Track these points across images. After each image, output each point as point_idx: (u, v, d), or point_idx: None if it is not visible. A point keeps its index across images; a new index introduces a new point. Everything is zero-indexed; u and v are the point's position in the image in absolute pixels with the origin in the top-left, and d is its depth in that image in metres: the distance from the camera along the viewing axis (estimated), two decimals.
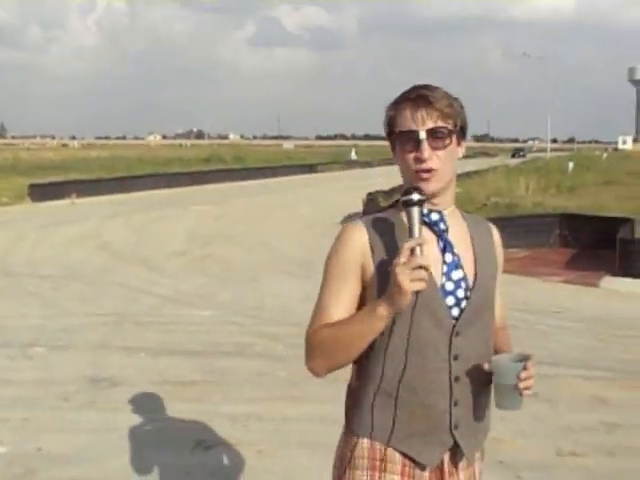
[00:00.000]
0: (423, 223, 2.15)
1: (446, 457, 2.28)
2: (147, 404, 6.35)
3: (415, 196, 2.10)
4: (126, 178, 35.24)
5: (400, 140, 2.21)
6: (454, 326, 2.21)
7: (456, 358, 2.22)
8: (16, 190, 30.01)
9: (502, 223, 15.77)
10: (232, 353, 7.87)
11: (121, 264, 14.31)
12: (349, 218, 21.39)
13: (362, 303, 2.23)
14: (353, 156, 68.24)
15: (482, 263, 2.28)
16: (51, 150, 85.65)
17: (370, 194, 22.30)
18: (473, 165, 38.16)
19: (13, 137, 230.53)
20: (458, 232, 2.28)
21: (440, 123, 2.17)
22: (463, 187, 21.73)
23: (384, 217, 2.33)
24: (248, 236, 18.25)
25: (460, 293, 2.22)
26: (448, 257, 2.23)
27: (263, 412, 6.16)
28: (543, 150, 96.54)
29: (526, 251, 15.34)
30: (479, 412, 2.30)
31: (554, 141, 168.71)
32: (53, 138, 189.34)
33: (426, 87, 2.21)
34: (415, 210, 2.09)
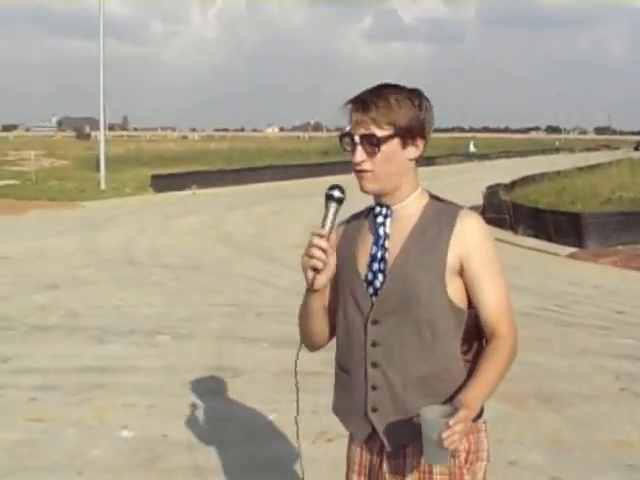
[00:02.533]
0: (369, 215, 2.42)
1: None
2: (269, 394, 6.40)
3: (335, 193, 2.29)
4: (245, 170, 35.68)
5: (343, 139, 2.34)
6: (369, 313, 2.34)
7: (374, 345, 2.34)
8: (139, 181, 30.82)
9: (627, 218, 15.53)
10: None
11: (242, 255, 14.50)
12: None
13: None
14: (472, 149, 67.28)
15: (407, 254, 2.32)
16: (172, 142, 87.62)
17: (490, 187, 21.97)
18: (595, 158, 37.15)
19: (135, 129, 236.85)
20: (403, 225, 2.36)
21: (373, 129, 2.26)
22: (585, 180, 21.14)
23: (359, 215, 2.53)
24: None
25: (377, 283, 2.34)
26: (374, 249, 2.36)
27: None
28: None
29: None
30: (411, 405, 2.29)
31: None
32: (173, 130, 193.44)
33: (372, 90, 2.31)
34: (331, 206, 2.28)
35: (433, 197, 2.42)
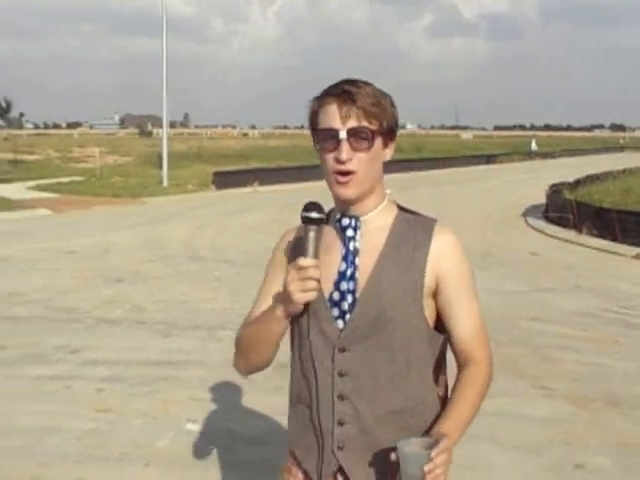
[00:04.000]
0: (336, 228, 2.13)
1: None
2: None
3: (314, 214, 2.02)
4: (306, 167, 35.69)
5: (321, 138, 2.07)
6: (337, 339, 2.08)
7: (342, 375, 2.08)
8: (201, 178, 31.11)
9: None
10: None
11: None
12: (531, 210, 20.95)
13: None
14: (533, 147, 66.54)
15: (380, 274, 2.07)
16: (232, 139, 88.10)
17: (554, 186, 21.73)
18: None
19: (196, 126, 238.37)
20: (373, 239, 2.11)
21: (364, 123, 2.01)
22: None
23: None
24: None
25: (345, 305, 2.07)
26: (343, 266, 2.09)
27: None
28: None
29: None
30: (384, 439, 2.06)
31: None
32: (234, 127, 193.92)
33: (353, 82, 2.06)
34: (312, 229, 2.00)
35: (401, 208, 2.19)
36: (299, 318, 2.11)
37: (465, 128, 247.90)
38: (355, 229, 2.11)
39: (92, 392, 6.44)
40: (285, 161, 40.51)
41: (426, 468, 1.79)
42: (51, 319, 8.97)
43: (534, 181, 29.48)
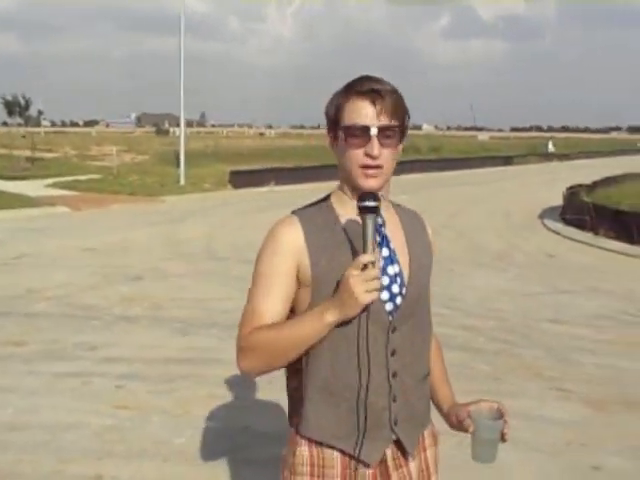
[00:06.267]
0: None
1: (389, 452, 2.24)
2: None
3: (370, 203, 2.02)
4: (323, 167, 35.67)
5: (348, 133, 2.12)
6: (390, 322, 2.16)
7: (393, 354, 2.18)
8: (217, 176, 31.14)
9: None
10: None
11: None
12: (548, 212, 20.90)
13: (295, 302, 2.20)
14: (550, 148, 66.37)
15: (416, 257, 2.25)
16: (249, 138, 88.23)
17: (571, 188, 21.67)
18: None
19: (212, 125, 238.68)
20: (393, 226, 2.25)
21: (392, 121, 2.11)
22: None
23: (320, 211, 2.27)
24: (445, 227, 18.12)
25: (395, 288, 2.17)
26: (385, 251, 2.18)
27: None
28: None
29: None
30: (417, 406, 2.28)
31: None
32: (250, 127, 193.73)
33: (377, 80, 2.13)
34: (369, 219, 2.01)
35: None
36: None
37: (482, 129, 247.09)
38: (382, 217, 2.17)
39: (111, 389, 6.49)
40: (302, 161, 40.43)
41: (505, 431, 2.16)
42: (70, 316, 9.03)
43: (551, 183, 29.43)
